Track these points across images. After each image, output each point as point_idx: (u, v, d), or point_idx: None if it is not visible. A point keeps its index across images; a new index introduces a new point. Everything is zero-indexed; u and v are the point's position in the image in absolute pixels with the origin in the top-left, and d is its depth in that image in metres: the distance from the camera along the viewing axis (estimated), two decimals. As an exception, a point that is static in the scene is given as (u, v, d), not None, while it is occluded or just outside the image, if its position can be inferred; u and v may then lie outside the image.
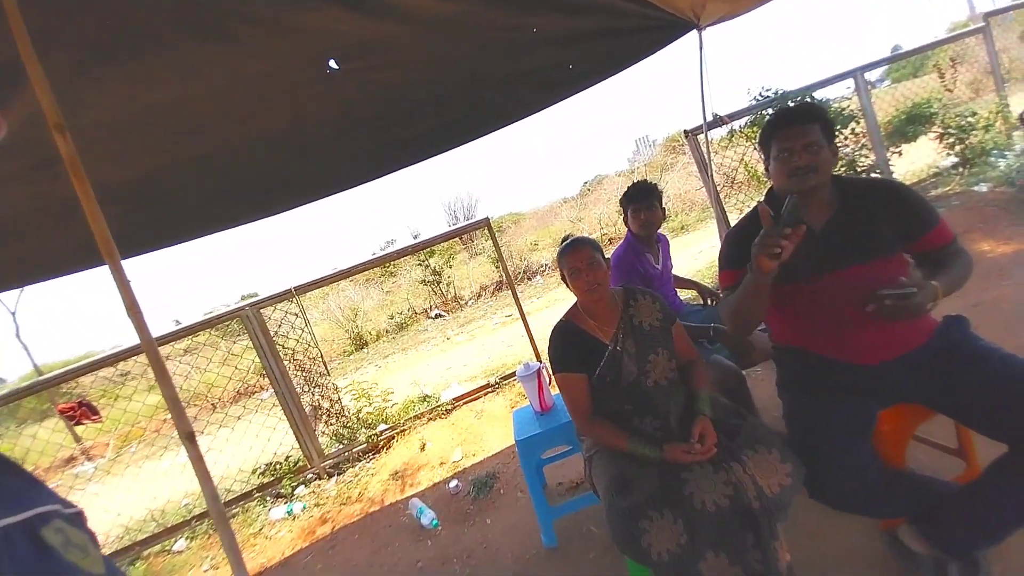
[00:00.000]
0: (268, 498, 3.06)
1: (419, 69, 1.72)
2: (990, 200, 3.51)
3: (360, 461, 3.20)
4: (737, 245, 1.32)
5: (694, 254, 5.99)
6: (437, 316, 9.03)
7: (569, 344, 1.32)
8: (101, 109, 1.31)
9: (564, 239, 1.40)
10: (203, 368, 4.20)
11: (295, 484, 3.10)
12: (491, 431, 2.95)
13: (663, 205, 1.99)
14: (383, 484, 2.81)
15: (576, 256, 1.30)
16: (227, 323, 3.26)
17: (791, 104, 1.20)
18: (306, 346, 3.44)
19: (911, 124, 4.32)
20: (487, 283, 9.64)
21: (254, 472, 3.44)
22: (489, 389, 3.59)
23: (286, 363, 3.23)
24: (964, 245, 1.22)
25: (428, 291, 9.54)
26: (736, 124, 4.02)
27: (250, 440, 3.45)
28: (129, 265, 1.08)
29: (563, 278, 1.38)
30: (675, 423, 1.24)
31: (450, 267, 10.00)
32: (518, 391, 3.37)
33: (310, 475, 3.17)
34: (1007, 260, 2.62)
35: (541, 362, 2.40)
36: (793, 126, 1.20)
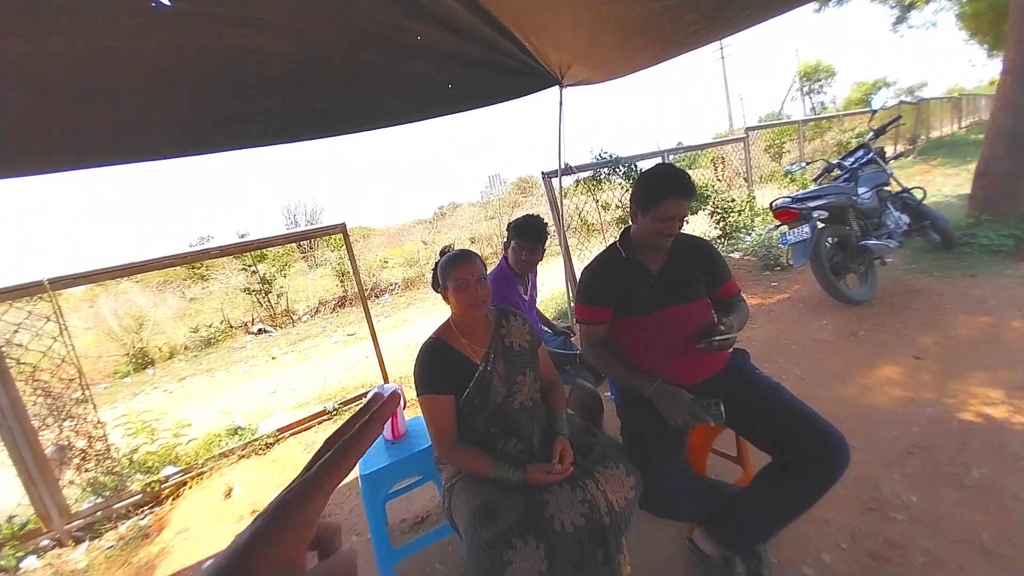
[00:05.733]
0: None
1: (278, 38, 1.47)
2: (741, 264, 4.75)
3: (131, 518, 2.42)
4: (594, 280, 1.49)
5: (538, 285, 6.53)
6: (261, 331, 7.73)
7: (439, 363, 1.24)
8: None
9: (443, 250, 1.33)
10: None
11: (21, 555, 2.19)
12: (324, 466, 2.57)
13: (545, 248, 1.93)
14: (163, 549, 2.17)
15: (466, 268, 1.23)
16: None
17: (684, 178, 1.35)
18: (59, 362, 2.50)
19: (695, 201, 5.68)
20: (327, 298, 8.72)
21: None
22: (325, 417, 3.16)
23: (21, 385, 2.28)
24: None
25: (252, 301, 8.12)
26: (580, 175, 4.63)
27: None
28: None
29: (442, 290, 1.29)
30: (538, 444, 1.26)
31: (284, 276, 8.74)
32: (360, 418, 3.06)
33: (46, 542, 2.26)
34: (753, 310, 3.55)
35: (391, 384, 2.21)
36: (681, 200, 1.33)
